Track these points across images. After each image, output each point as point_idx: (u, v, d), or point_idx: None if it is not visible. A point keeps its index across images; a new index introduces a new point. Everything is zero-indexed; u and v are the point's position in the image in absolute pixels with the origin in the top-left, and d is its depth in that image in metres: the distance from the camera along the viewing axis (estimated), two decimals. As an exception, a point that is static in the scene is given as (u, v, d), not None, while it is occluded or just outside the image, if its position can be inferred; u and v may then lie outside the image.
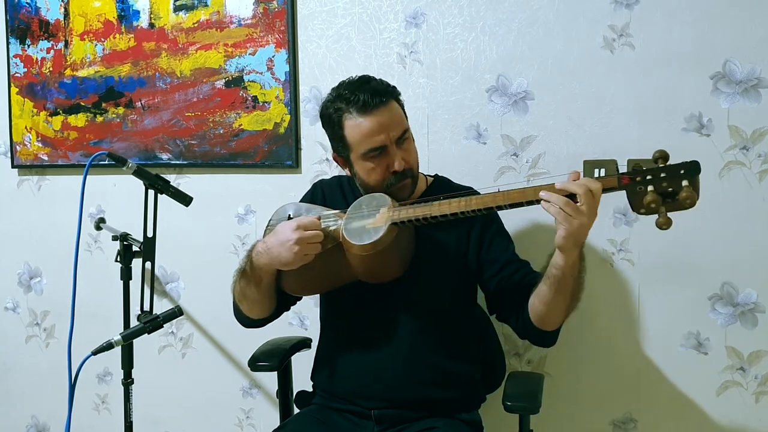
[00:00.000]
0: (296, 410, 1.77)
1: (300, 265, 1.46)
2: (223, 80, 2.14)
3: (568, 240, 1.28)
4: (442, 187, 1.65)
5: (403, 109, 1.58)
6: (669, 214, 1.22)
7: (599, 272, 1.83)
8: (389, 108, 1.51)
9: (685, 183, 1.22)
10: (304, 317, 2.13)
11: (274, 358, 1.77)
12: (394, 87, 1.57)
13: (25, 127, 2.42)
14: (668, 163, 1.25)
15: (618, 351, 1.84)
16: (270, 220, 1.64)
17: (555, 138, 1.84)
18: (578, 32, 1.80)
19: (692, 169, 1.23)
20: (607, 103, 1.79)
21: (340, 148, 1.56)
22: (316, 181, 1.84)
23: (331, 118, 1.54)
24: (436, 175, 1.72)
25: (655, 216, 1.23)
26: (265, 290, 1.55)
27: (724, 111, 1.71)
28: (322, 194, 1.72)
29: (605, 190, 1.29)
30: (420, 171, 1.69)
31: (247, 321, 1.65)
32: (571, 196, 1.27)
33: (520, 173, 1.87)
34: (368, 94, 1.49)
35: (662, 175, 1.24)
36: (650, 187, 1.24)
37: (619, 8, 1.76)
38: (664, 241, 1.76)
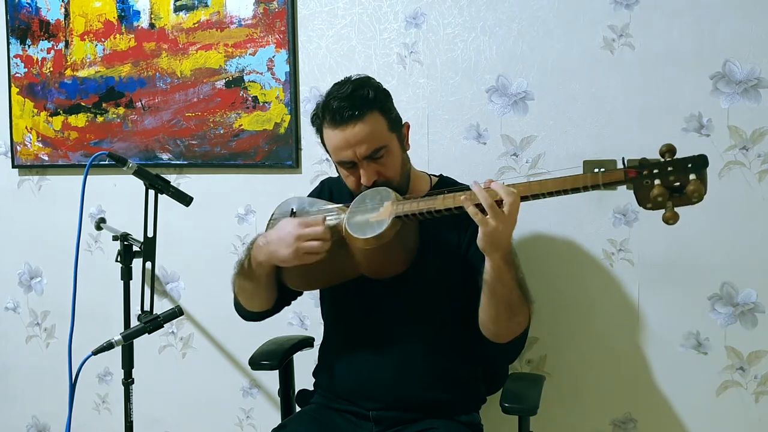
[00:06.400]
0: (297, 409, 1.78)
1: (297, 263, 1.44)
2: (224, 80, 2.14)
3: (484, 242, 1.32)
4: (447, 187, 1.65)
5: (390, 120, 1.51)
6: (676, 209, 1.21)
7: (599, 272, 1.83)
8: (363, 123, 1.44)
9: (692, 177, 1.20)
10: (305, 317, 2.13)
11: (275, 357, 1.77)
12: (378, 98, 1.48)
13: (26, 127, 2.42)
14: (675, 158, 1.23)
15: (618, 351, 1.84)
16: (273, 214, 1.65)
17: (555, 138, 1.84)
18: (578, 32, 1.80)
19: (700, 162, 1.21)
20: (607, 103, 1.79)
21: (326, 151, 1.58)
22: (318, 180, 1.84)
23: (314, 122, 1.56)
24: (441, 175, 1.72)
25: (662, 211, 1.22)
26: (263, 284, 1.55)
27: (724, 111, 1.71)
28: (329, 191, 1.72)
29: (611, 184, 1.27)
30: (424, 170, 1.70)
31: (246, 314, 1.65)
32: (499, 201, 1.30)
33: (520, 173, 1.87)
34: (343, 105, 1.44)
35: (669, 169, 1.22)
36: (657, 181, 1.22)
37: (619, 8, 1.76)
38: (664, 241, 1.76)
